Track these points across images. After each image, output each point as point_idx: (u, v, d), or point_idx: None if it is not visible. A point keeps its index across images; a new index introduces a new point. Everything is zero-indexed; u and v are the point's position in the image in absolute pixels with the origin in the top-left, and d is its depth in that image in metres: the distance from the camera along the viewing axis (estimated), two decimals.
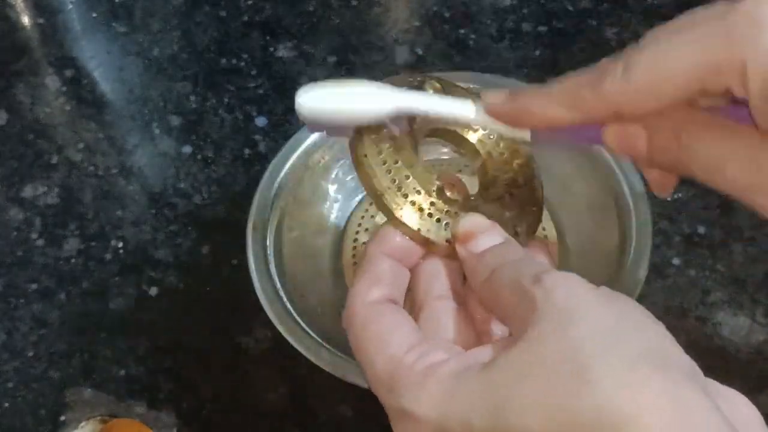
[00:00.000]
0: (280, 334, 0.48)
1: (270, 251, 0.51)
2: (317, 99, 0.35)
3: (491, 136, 0.39)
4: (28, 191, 0.65)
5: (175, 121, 0.67)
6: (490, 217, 0.36)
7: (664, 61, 0.32)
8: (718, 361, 0.55)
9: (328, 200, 0.57)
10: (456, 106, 0.36)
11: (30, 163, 0.66)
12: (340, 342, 0.47)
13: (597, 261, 0.53)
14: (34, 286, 0.60)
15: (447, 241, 0.36)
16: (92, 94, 0.69)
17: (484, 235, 0.35)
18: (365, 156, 0.36)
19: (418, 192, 0.36)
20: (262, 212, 0.52)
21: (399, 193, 0.36)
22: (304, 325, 0.48)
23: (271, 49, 0.71)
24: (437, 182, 0.36)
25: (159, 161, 0.65)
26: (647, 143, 0.34)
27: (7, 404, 0.56)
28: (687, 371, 0.28)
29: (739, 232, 0.60)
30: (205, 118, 0.67)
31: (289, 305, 0.49)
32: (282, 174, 0.54)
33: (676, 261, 0.59)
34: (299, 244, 0.54)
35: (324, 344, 0.47)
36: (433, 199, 0.36)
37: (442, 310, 0.35)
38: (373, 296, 0.35)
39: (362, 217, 0.55)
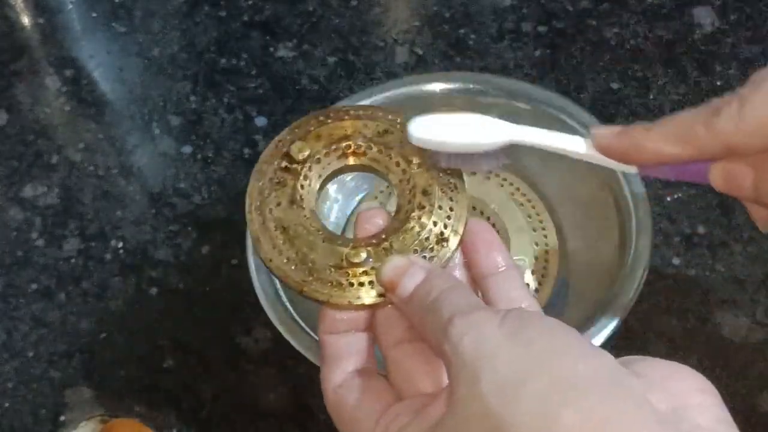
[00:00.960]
0: (280, 334, 0.48)
1: None
2: (427, 129, 0.37)
3: (371, 150, 0.40)
4: (28, 191, 0.65)
5: (175, 121, 0.67)
6: (412, 237, 0.37)
7: None
8: (718, 361, 0.55)
9: (328, 200, 0.57)
10: (567, 141, 0.37)
11: (30, 163, 0.66)
12: None
13: (597, 261, 0.53)
14: (34, 286, 0.60)
15: (380, 295, 0.36)
16: (92, 94, 0.69)
17: (406, 276, 0.35)
18: (270, 260, 0.38)
19: (332, 269, 0.37)
20: None
21: (315, 280, 0.37)
22: (304, 324, 0.48)
23: (271, 49, 0.71)
24: (343, 249, 0.37)
25: (159, 161, 0.65)
26: (754, 181, 0.34)
27: (7, 404, 0.56)
28: (601, 379, 0.28)
29: (739, 232, 0.60)
30: (205, 118, 0.67)
31: (288, 305, 0.49)
32: None
33: (676, 261, 0.59)
34: None
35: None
36: (347, 268, 0.36)
37: (401, 357, 0.36)
38: (336, 379, 0.36)
39: None
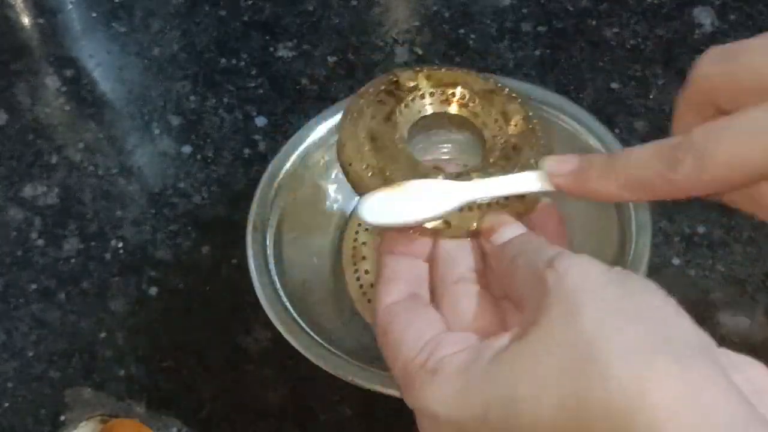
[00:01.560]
0: (280, 334, 0.48)
1: (270, 251, 0.51)
2: (378, 209, 0.36)
3: (474, 102, 0.40)
4: (28, 191, 0.65)
5: (175, 121, 0.67)
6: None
7: (737, 154, 0.32)
8: None
9: (328, 200, 0.57)
10: (519, 184, 0.37)
11: (30, 163, 0.66)
12: (341, 342, 0.47)
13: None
14: (34, 286, 0.60)
15: (445, 222, 0.36)
16: (92, 94, 0.69)
17: (506, 227, 0.36)
18: (350, 164, 0.38)
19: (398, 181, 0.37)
20: (262, 212, 0.52)
21: (376, 178, 0.37)
22: (304, 325, 0.48)
23: (271, 49, 0.71)
24: (425, 168, 0.37)
25: (159, 161, 0.65)
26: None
27: (7, 404, 0.56)
28: (696, 348, 0.28)
29: (739, 232, 0.60)
30: (205, 118, 0.67)
31: (289, 305, 0.49)
32: (282, 174, 0.54)
33: (676, 261, 0.59)
34: (299, 244, 0.54)
35: (324, 344, 0.47)
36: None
37: (462, 294, 0.35)
38: (389, 299, 0.36)
39: None
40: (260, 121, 0.67)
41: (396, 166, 0.37)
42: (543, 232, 0.38)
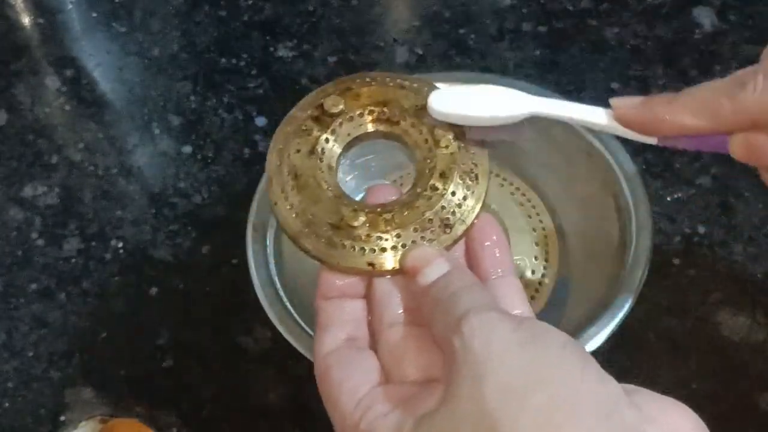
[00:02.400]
0: (280, 334, 0.48)
1: (270, 251, 0.51)
2: (448, 103, 0.37)
3: (405, 121, 0.39)
4: (28, 191, 0.65)
5: (175, 121, 0.67)
6: (416, 214, 0.36)
7: None
8: (718, 361, 0.55)
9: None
10: (588, 113, 0.37)
11: (30, 163, 0.66)
12: None
13: (597, 261, 0.53)
14: (34, 286, 0.60)
15: (369, 264, 0.36)
16: (92, 94, 0.69)
17: (430, 266, 0.35)
18: (275, 203, 0.38)
19: (329, 226, 0.36)
20: (262, 212, 0.52)
21: (311, 233, 0.37)
22: (304, 324, 0.48)
23: (271, 49, 0.71)
24: (344, 209, 0.37)
25: (159, 161, 0.65)
26: None
27: (7, 404, 0.56)
28: (603, 409, 0.28)
29: (739, 232, 0.60)
30: (205, 118, 0.67)
31: (289, 305, 0.49)
32: None
33: (676, 261, 0.59)
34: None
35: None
36: (344, 229, 0.36)
37: (396, 339, 0.35)
38: (325, 347, 0.36)
39: None
40: (260, 121, 0.67)
41: (318, 207, 0.37)
42: (483, 245, 0.37)
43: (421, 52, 0.70)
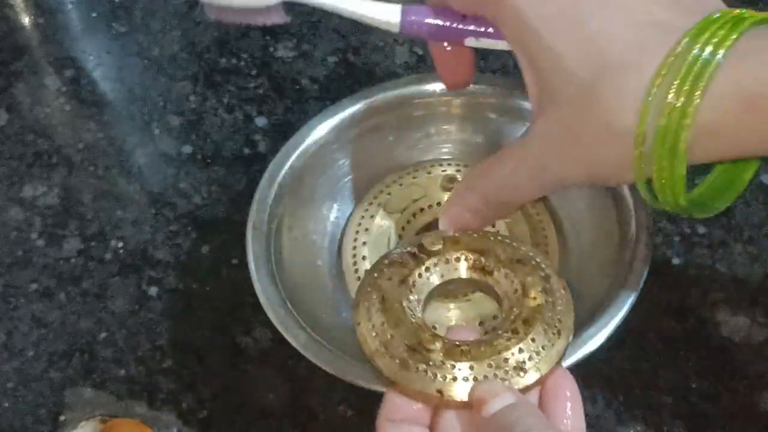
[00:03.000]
0: (280, 334, 0.48)
1: (270, 250, 0.51)
2: None
3: (499, 272, 0.41)
4: (28, 191, 0.65)
5: (175, 121, 0.67)
6: (492, 352, 0.37)
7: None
8: (718, 361, 0.55)
9: (328, 200, 0.57)
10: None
11: (30, 163, 0.66)
12: (340, 341, 0.47)
13: (597, 261, 0.53)
14: (34, 286, 0.60)
15: (438, 392, 0.36)
16: (92, 94, 0.69)
17: (498, 398, 0.35)
18: (358, 323, 0.39)
19: (406, 347, 0.37)
20: (262, 212, 0.52)
21: (386, 353, 0.38)
22: (304, 324, 0.48)
23: (271, 49, 0.71)
24: (423, 334, 0.37)
25: (159, 161, 0.65)
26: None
27: (7, 404, 0.56)
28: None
29: (739, 232, 0.60)
30: (205, 118, 0.67)
31: (289, 305, 0.49)
32: (282, 174, 0.54)
33: (676, 261, 0.59)
34: (299, 243, 0.54)
35: (324, 344, 0.47)
36: (419, 352, 0.37)
37: None
38: None
39: (362, 216, 0.55)
40: (260, 121, 0.67)
41: (398, 330, 0.38)
42: (557, 397, 0.38)
43: (421, 53, 0.70)
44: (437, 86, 0.56)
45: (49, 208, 0.64)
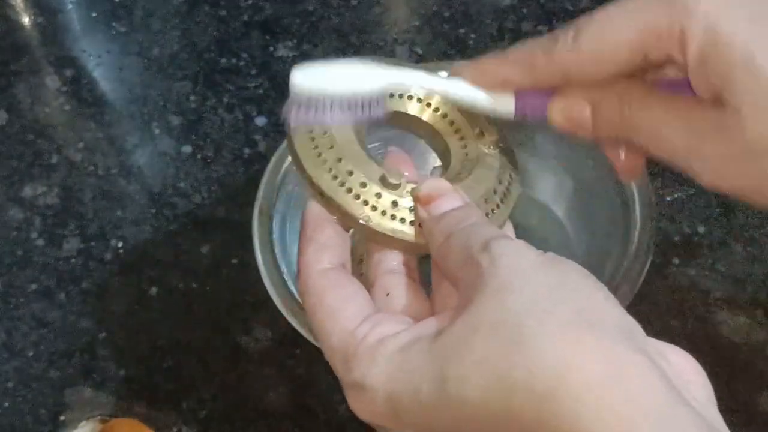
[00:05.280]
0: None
1: (275, 237, 0.51)
2: (310, 76, 0.37)
3: (439, 111, 0.39)
4: (27, 191, 0.65)
5: (175, 120, 0.67)
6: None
7: (611, 29, 0.34)
8: (718, 361, 0.55)
9: None
10: (443, 84, 0.37)
11: (30, 163, 0.66)
12: None
13: (597, 261, 0.53)
14: (34, 286, 0.60)
15: (392, 232, 0.35)
16: (92, 94, 0.69)
17: (444, 198, 0.35)
18: (300, 158, 0.37)
19: (363, 185, 0.35)
20: (269, 197, 0.52)
21: (341, 189, 0.36)
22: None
23: (271, 48, 0.71)
24: (381, 171, 0.36)
25: (159, 161, 0.65)
26: (592, 116, 0.36)
27: (7, 404, 0.56)
28: (623, 331, 0.29)
29: (739, 232, 0.60)
30: (205, 117, 0.67)
31: (294, 291, 0.49)
32: (283, 169, 0.53)
33: (676, 261, 0.59)
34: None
35: None
36: (379, 190, 0.35)
37: (393, 284, 0.35)
38: (324, 264, 0.35)
39: None
40: (260, 121, 0.67)
41: (353, 164, 0.36)
42: None
43: (421, 52, 0.70)
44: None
45: (49, 208, 0.64)
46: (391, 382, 0.31)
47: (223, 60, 0.70)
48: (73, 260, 0.61)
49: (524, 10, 0.72)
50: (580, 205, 0.57)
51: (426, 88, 0.38)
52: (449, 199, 0.35)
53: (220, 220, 0.62)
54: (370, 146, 0.38)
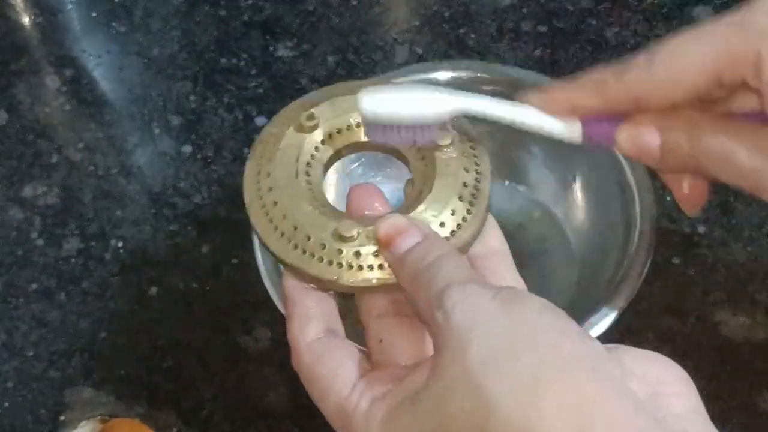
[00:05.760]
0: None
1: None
2: (378, 102, 0.36)
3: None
4: (27, 191, 0.65)
5: (175, 120, 0.67)
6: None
7: (685, 53, 0.34)
8: (718, 361, 0.55)
9: (328, 193, 0.56)
10: (513, 112, 0.37)
11: (30, 163, 0.66)
12: (349, 329, 0.47)
13: (598, 261, 0.53)
14: (34, 286, 0.60)
15: (365, 282, 0.35)
16: (92, 94, 0.69)
17: (403, 236, 0.34)
18: (260, 235, 0.37)
19: (322, 246, 0.35)
20: None
21: (304, 256, 0.35)
22: None
23: (271, 48, 0.71)
24: (333, 223, 0.35)
25: (159, 161, 0.65)
26: (661, 143, 0.36)
27: (7, 404, 0.56)
28: (585, 366, 0.28)
29: (739, 232, 0.60)
30: (205, 117, 0.67)
31: None
32: None
33: (676, 261, 0.59)
34: None
35: None
36: (339, 246, 0.35)
37: (384, 329, 0.36)
38: (309, 337, 0.35)
39: None
40: (260, 121, 0.67)
41: (300, 219, 0.36)
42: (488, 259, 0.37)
43: (421, 52, 0.70)
44: (442, 75, 0.56)
45: (49, 208, 0.64)
46: None
47: (223, 60, 0.70)
48: (73, 260, 0.61)
49: (524, 10, 0.72)
50: (580, 206, 0.57)
51: (492, 115, 0.37)
52: (408, 236, 0.34)
53: (220, 220, 0.62)
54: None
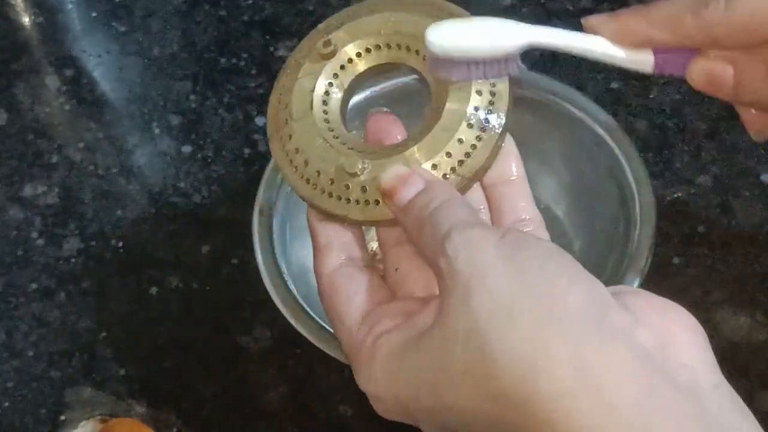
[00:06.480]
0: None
1: (275, 236, 0.51)
2: (448, 35, 0.35)
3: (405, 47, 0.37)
4: (27, 191, 0.65)
5: (175, 120, 0.67)
6: (422, 153, 0.35)
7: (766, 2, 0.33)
8: (718, 361, 0.55)
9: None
10: (583, 40, 0.37)
11: (30, 163, 0.66)
12: None
13: (598, 261, 0.53)
14: (34, 285, 0.60)
15: (374, 216, 0.35)
16: (92, 94, 0.69)
17: (405, 186, 0.34)
18: (282, 170, 0.37)
19: (331, 182, 0.35)
20: (269, 196, 0.52)
21: (316, 191, 0.36)
22: (308, 310, 0.48)
23: (271, 48, 0.71)
24: (342, 159, 0.35)
25: (159, 161, 0.65)
26: (734, 79, 0.35)
27: (7, 404, 0.56)
28: (590, 317, 0.28)
29: (739, 232, 0.60)
30: (205, 117, 0.67)
31: (294, 290, 0.49)
32: None
33: (676, 261, 0.59)
34: (305, 231, 0.54)
35: (328, 328, 0.47)
36: (346, 182, 0.35)
37: (401, 257, 0.36)
38: (328, 267, 0.36)
39: None
40: (260, 120, 0.67)
41: (310, 154, 0.36)
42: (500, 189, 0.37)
43: None
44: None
45: (49, 208, 0.64)
46: (391, 387, 0.32)
47: (223, 60, 0.70)
48: (73, 260, 0.61)
49: (524, 10, 0.72)
50: (580, 205, 0.57)
51: (564, 45, 0.37)
52: (410, 185, 0.34)
53: (220, 220, 0.62)
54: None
